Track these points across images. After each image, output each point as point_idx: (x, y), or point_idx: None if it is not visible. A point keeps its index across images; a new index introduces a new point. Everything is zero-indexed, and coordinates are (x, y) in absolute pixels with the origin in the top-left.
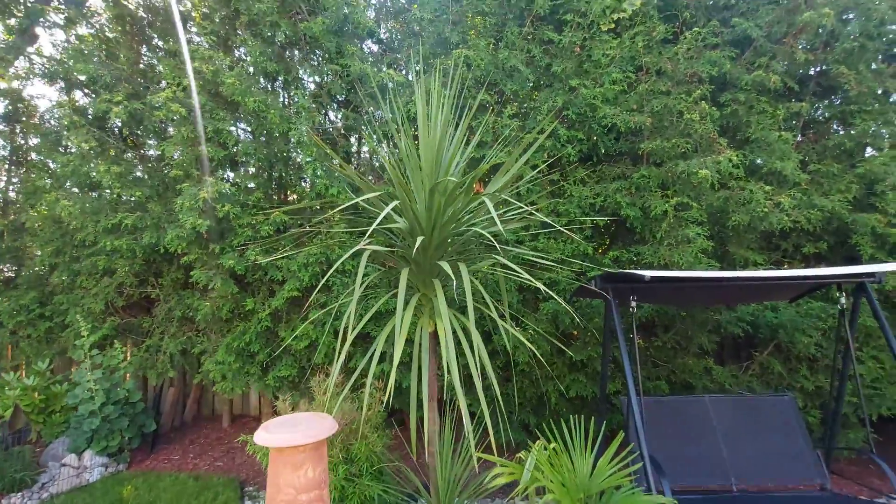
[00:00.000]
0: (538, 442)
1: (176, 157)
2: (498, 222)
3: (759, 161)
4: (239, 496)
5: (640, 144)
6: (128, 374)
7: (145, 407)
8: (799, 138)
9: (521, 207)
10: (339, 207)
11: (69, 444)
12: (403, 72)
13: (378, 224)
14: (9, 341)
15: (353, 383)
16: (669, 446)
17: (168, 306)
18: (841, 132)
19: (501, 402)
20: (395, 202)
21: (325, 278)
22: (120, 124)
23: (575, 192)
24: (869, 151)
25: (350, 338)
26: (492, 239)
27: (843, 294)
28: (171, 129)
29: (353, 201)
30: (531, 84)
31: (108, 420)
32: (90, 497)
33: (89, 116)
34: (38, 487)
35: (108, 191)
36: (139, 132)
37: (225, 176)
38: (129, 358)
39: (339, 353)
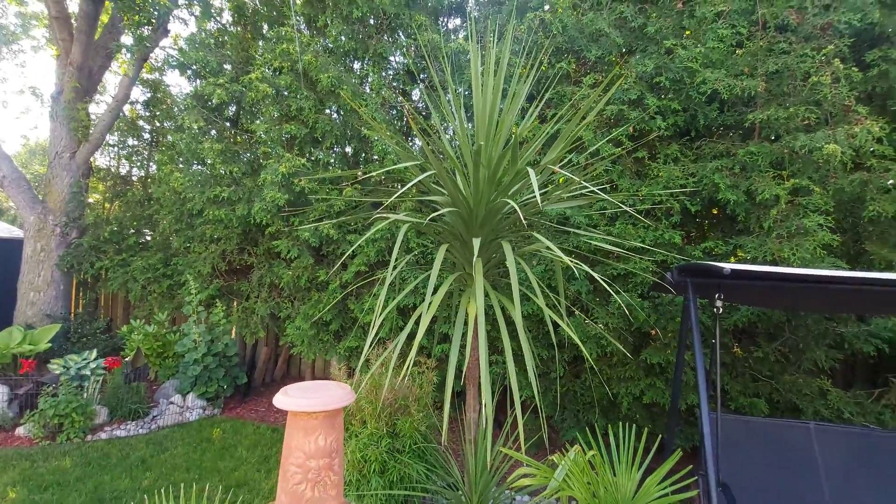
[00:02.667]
0: (574, 448)
1: (263, 135)
2: (538, 195)
3: None
4: None
5: (750, 115)
6: (233, 330)
7: (240, 361)
8: None
9: (576, 182)
10: (376, 171)
11: (177, 385)
12: (480, 41)
13: (419, 196)
14: (140, 294)
15: (391, 358)
16: (750, 475)
17: (260, 273)
18: None
19: (560, 397)
20: (429, 173)
21: (394, 257)
22: (231, 107)
23: (663, 172)
24: None
25: (385, 311)
26: (519, 211)
27: None
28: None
29: (393, 168)
30: (621, 48)
31: (208, 369)
32: (187, 433)
33: (202, 100)
34: (150, 419)
35: (212, 166)
36: (239, 112)
37: (306, 152)
38: (230, 317)
39: (374, 324)
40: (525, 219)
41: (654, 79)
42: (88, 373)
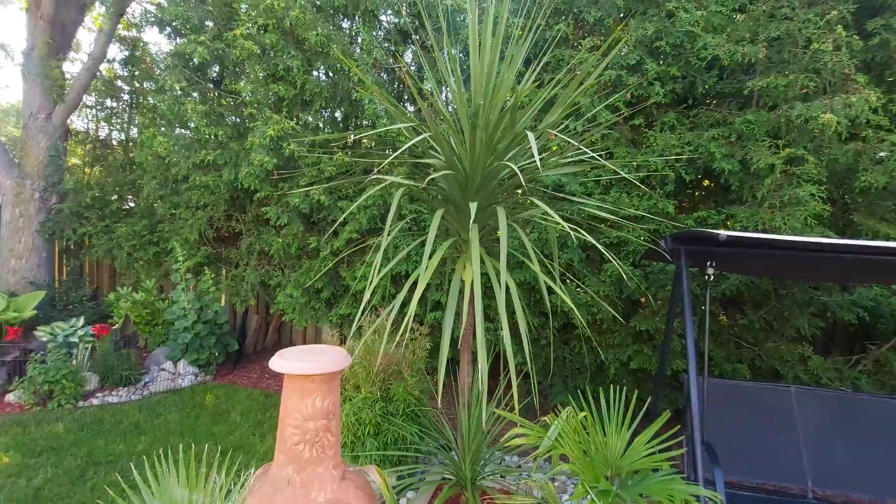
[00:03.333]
0: (567, 409)
1: (248, 96)
2: (538, 160)
3: None
4: None
5: (749, 83)
6: (222, 297)
7: (233, 329)
8: None
9: (574, 147)
10: (368, 132)
11: (168, 353)
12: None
13: (413, 160)
14: (126, 261)
15: (387, 324)
16: (733, 435)
17: (249, 240)
18: None
19: (552, 363)
20: (424, 135)
21: (389, 223)
22: (214, 67)
23: (659, 140)
24: None
25: (378, 278)
26: (519, 174)
27: None
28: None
29: (377, 130)
30: (621, 11)
31: (199, 336)
32: (180, 399)
33: (184, 59)
34: (142, 385)
35: (196, 129)
36: (224, 72)
37: (295, 116)
38: (219, 285)
39: (367, 291)
40: (524, 184)
41: (654, 43)
42: (77, 340)
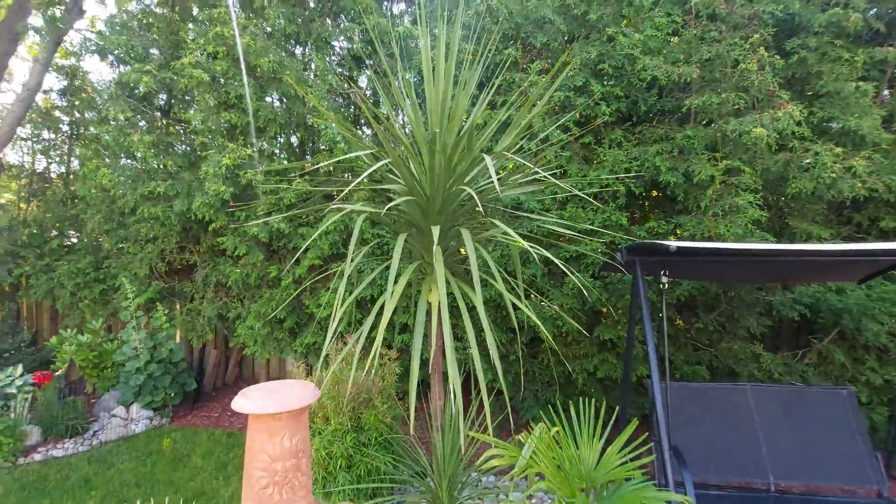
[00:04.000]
0: (539, 425)
1: (199, 125)
2: (496, 181)
3: (832, 120)
4: None
5: (686, 101)
6: (178, 335)
7: (190, 367)
8: (886, 92)
9: (530, 168)
10: (331, 161)
11: (118, 397)
12: (427, 26)
13: (373, 185)
14: (69, 301)
15: (356, 352)
16: (698, 436)
17: (205, 272)
18: None
19: (522, 378)
20: (386, 161)
21: (352, 248)
22: (162, 95)
23: (608, 156)
24: None
25: (345, 304)
26: (476, 197)
27: None
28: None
29: (334, 159)
30: (565, 36)
31: (153, 377)
32: (134, 446)
33: (129, 89)
34: (90, 434)
35: (144, 161)
36: (171, 101)
37: (249, 144)
38: (174, 321)
39: (333, 319)
40: (482, 205)
41: (598, 66)
42: (14, 391)
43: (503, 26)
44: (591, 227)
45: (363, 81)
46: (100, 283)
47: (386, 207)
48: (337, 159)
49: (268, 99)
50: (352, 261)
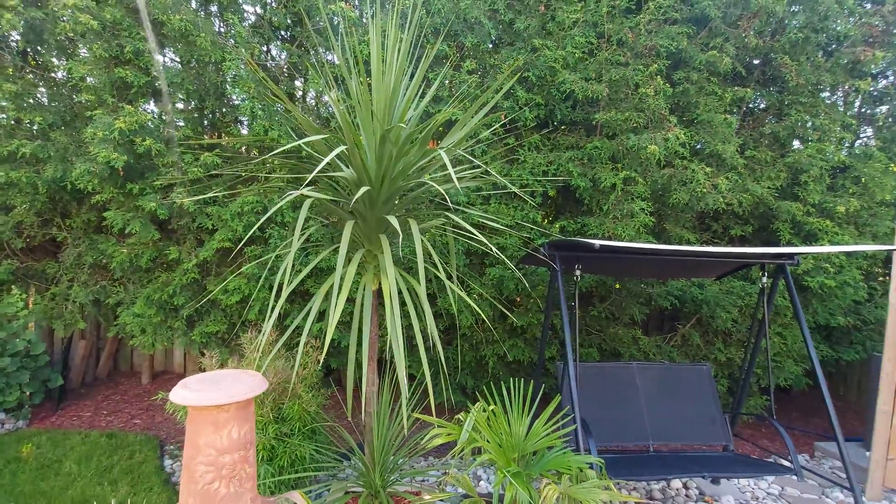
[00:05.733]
0: (478, 404)
1: (88, 80)
2: (454, 178)
3: (700, 142)
4: (158, 455)
5: (595, 115)
6: (31, 324)
7: (51, 360)
8: (737, 124)
9: (480, 165)
10: (280, 150)
11: None
12: (357, 10)
13: (321, 172)
14: None
15: (287, 341)
16: (597, 409)
17: (78, 251)
18: (775, 121)
19: (448, 367)
20: (342, 147)
21: (257, 226)
22: (17, 37)
23: (528, 158)
24: (795, 143)
25: (285, 293)
26: (445, 195)
27: (765, 274)
28: (81, 48)
29: (295, 143)
30: (493, 40)
31: (5, 373)
32: None
33: None
34: None
35: (2, 115)
36: (41, 48)
37: (147, 108)
38: (31, 306)
39: (273, 308)
40: (431, 200)
41: (523, 73)
42: None
43: (435, 20)
44: (514, 222)
45: (275, 52)
46: None
47: (352, 200)
48: (292, 144)
49: (166, 59)
50: (298, 241)
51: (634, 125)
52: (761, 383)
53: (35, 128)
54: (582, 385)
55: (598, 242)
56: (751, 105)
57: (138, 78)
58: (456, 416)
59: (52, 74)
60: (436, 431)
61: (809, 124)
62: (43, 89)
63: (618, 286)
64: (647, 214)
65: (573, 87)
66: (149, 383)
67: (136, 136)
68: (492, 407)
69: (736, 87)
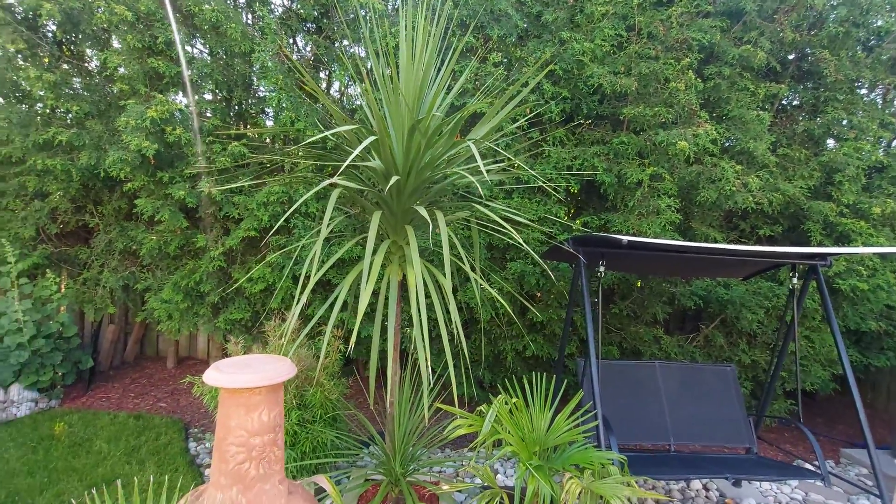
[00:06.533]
0: (500, 396)
1: (121, 70)
2: (484, 170)
3: (731, 139)
4: (183, 437)
5: (623, 109)
6: (63, 307)
7: (82, 343)
8: (769, 121)
9: (509, 158)
10: (311, 140)
11: None
12: (384, 2)
13: (351, 161)
14: None
15: (310, 331)
16: (618, 407)
17: (109, 237)
18: (809, 118)
19: (468, 359)
20: (373, 138)
21: (284, 218)
22: (54, 27)
23: (553, 153)
24: (829, 142)
25: (312, 283)
26: (478, 185)
27: (796, 275)
28: (115, 38)
29: (324, 134)
30: (519, 32)
31: (39, 354)
32: (17, 432)
33: (17, 15)
34: None
35: (39, 103)
36: (77, 38)
37: (177, 98)
38: (63, 290)
39: (299, 297)
40: (455, 193)
41: (550, 66)
42: None
43: (462, 12)
44: (536, 217)
45: (301, 43)
46: None
47: (388, 189)
48: (328, 133)
49: (198, 50)
50: (327, 228)
51: (663, 120)
52: (786, 387)
53: (70, 116)
54: (603, 382)
55: (625, 238)
56: (784, 102)
57: (170, 68)
58: (478, 409)
59: (87, 64)
60: (458, 422)
61: (846, 122)
62: (78, 79)
63: (639, 284)
64: (673, 211)
65: (601, 80)
66: (174, 368)
67: (167, 126)
68: (514, 400)
69: (770, 83)
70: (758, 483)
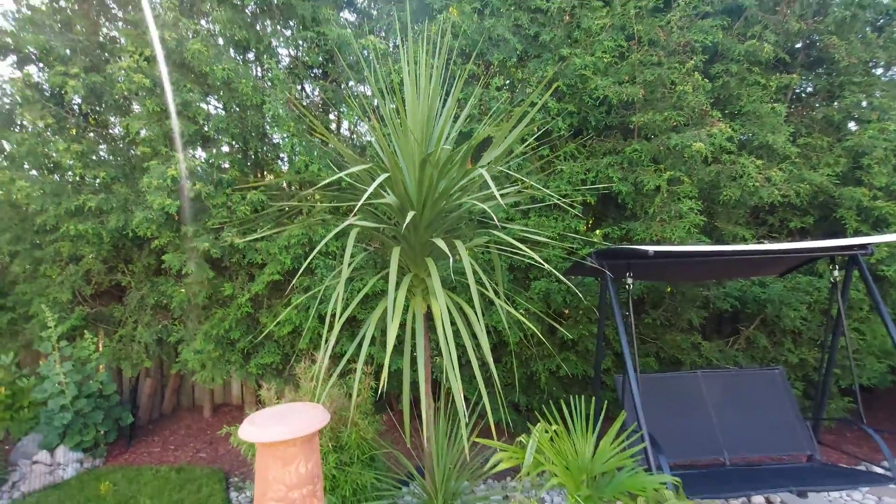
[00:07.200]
0: (539, 424)
1: (142, 133)
2: (498, 195)
3: (747, 135)
4: (224, 487)
5: (632, 117)
6: (101, 366)
7: (121, 399)
8: (786, 111)
9: (521, 180)
10: (326, 181)
11: (40, 441)
12: (384, 42)
13: (365, 200)
14: None
15: (341, 369)
16: (663, 423)
17: (140, 294)
18: (825, 105)
19: (499, 384)
20: (385, 175)
21: (309, 260)
22: (79, 100)
23: (566, 168)
24: (851, 126)
25: (339, 322)
26: (492, 214)
27: (835, 267)
28: (135, 105)
29: (337, 175)
30: (518, 54)
31: (82, 414)
32: (65, 494)
33: (45, 92)
34: (9, 486)
35: (69, 172)
36: (100, 108)
37: (196, 154)
38: (100, 349)
39: (327, 337)
40: (471, 219)
41: (553, 83)
42: None
43: (461, 42)
44: (555, 233)
45: (308, 89)
46: (7, 311)
47: (404, 225)
48: (339, 175)
49: (212, 107)
50: (348, 267)
51: (674, 124)
52: (841, 384)
53: (98, 182)
54: (645, 397)
55: (651, 248)
56: (797, 91)
57: (188, 127)
58: (518, 439)
59: (111, 131)
60: (499, 456)
61: (865, 104)
62: (103, 146)
63: (670, 290)
64: (696, 214)
65: (606, 92)
66: (210, 416)
67: (188, 182)
68: (554, 427)
69: (781, 74)
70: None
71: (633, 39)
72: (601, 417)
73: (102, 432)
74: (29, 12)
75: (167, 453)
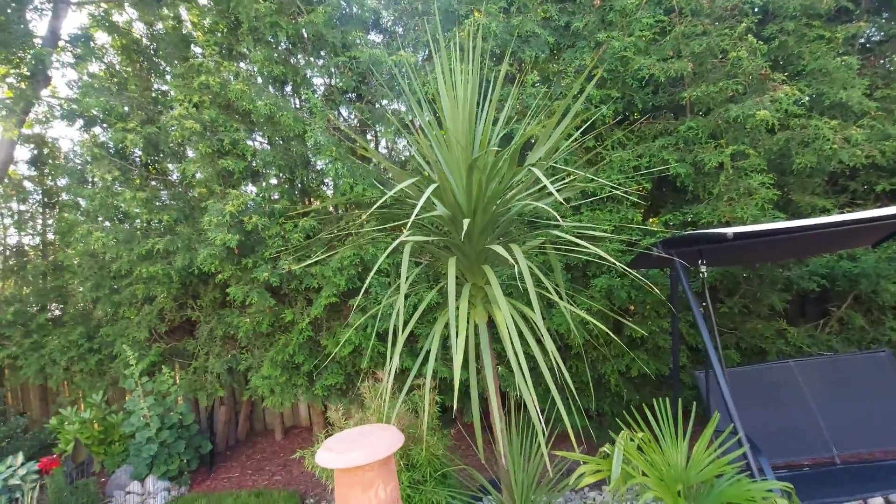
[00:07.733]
0: (623, 433)
1: (198, 176)
2: (553, 190)
3: (815, 95)
4: None
5: (682, 94)
6: (179, 398)
7: (199, 428)
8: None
9: (573, 173)
10: (377, 205)
11: (131, 472)
12: (414, 54)
13: (417, 214)
14: (63, 377)
15: (402, 385)
16: (757, 421)
17: (209, 326)
18: None
19: (573, 389)
20: (434, 185)
21: (367, 281)
22: (139, 152)
23: (615, 157)
24: None
25: (402, 338)
26: (552, 211)
27: None
28: (188, 150)
29: (388, 195)
30: (550, 47)
31: (165, 445)
32: None
33: (110, 149)
34: None
35: (137, 220)
36: (158, 157)
37: (247, 189)
38: (178, 381)
39: (391, 354)
40: (522, 222)
41: (592, 71)
42: (19, 481)
43: (490, 44)
44: (612, 226)
45: (345, 113)
46: (95, 353)
47: (462, 236)
48: (388, 195)
49: (258, 142)
50: (406, 282)
51: (731, 94)
52: None
53: (163, 225)
54: (733, 395)
55: (730, 231)
56: (863, 42)
57: (238, 164)
58: (601, 449)
59: (169, 177)
60: (583, 468)
61: None
62: (164, 191)
63: (745, 275)
64: (768, 188)
65: (652, 70)
66: (282, 439)
67: (244, 216)
68: (640, 434)
69: (845, 25)
70: None
71: (672, 13)
72: (690, 421)
73: (185, 461)
74: (89, 79)
75: (245, 478)
